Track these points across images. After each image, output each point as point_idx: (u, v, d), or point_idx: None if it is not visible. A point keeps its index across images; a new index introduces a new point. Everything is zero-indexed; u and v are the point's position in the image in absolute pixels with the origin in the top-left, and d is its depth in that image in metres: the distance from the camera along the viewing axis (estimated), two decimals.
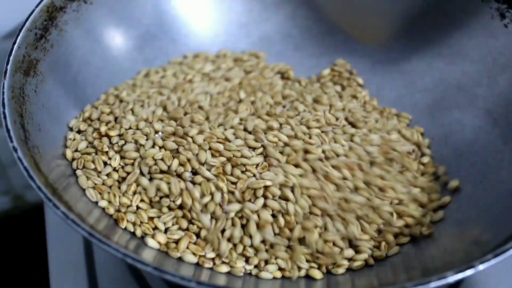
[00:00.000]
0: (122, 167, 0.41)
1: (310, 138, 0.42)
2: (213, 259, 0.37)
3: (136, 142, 0.41)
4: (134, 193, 0.39)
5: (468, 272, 0.30)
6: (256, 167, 0.39)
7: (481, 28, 0.46)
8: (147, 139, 0.41)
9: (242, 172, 0.39)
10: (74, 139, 0.42)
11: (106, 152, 0.41)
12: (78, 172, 0.40)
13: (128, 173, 0.40)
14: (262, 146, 0.41)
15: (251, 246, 0.37)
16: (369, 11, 0.51)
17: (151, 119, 0.43)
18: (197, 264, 0.37)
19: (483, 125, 0.43)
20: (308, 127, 0.43)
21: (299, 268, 0.37)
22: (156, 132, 0.41)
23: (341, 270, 0.37)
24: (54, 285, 0.45)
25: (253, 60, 0.51)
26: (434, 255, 0.37)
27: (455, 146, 0.44)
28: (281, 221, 0.37)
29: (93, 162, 0.40)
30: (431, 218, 0.40)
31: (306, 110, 0.45)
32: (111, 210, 0.38)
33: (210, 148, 0.40)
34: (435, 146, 0.45)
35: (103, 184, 0.40)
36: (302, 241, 0.37)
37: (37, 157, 0.36)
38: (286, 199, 0.38)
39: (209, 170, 0.39)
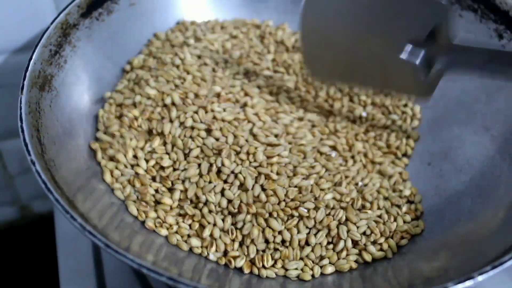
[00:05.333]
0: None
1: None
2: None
3: None
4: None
5: (468, 283, 0.31)
6: None
7: None
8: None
9: None
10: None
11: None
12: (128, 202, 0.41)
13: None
14: None
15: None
16: None
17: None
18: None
19: (481, 141, 0.44)
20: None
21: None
22: None
23: (330, 269, 0.39)
24: None
25: None
26: (429, 267, 0.38)
27: (455, 161, 0.45)
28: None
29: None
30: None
31: None
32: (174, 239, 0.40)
33: None
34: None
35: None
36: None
37: (53, 170, 0.37)
38: None
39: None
